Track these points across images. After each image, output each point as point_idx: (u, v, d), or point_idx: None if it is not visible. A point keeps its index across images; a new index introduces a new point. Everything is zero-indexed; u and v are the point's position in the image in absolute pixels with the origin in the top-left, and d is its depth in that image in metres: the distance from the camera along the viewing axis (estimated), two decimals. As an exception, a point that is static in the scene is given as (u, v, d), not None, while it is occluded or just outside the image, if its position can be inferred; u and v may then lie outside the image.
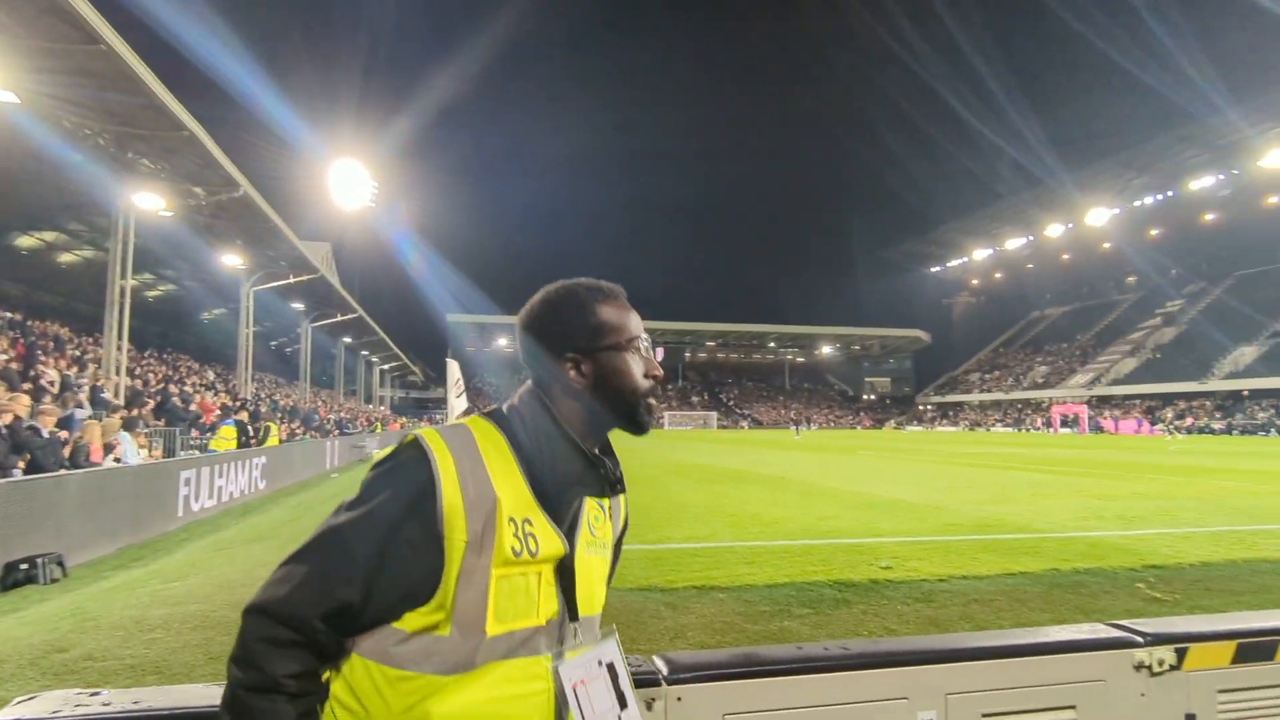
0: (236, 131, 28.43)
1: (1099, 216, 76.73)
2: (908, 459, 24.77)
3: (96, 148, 15.20)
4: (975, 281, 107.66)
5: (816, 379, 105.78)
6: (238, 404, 19.81)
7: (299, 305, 33.59)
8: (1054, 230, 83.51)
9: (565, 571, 1.10)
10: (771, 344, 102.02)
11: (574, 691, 1.07)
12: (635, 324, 1.20)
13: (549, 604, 1.07)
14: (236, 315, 26.01)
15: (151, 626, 5.22)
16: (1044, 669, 1.93)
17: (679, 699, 1.69)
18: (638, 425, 1.18)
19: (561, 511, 1.11)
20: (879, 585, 6.38)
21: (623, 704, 1.12)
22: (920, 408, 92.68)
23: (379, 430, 36.27)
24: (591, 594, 1.14)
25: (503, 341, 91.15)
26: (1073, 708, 1.93)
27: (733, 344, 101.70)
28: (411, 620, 1.00)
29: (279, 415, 22.31)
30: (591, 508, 1.17)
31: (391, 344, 50.45)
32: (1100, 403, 67.10)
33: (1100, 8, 71.65)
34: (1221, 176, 66.63)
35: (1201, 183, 68.06)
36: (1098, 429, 57.52)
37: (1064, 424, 60.40)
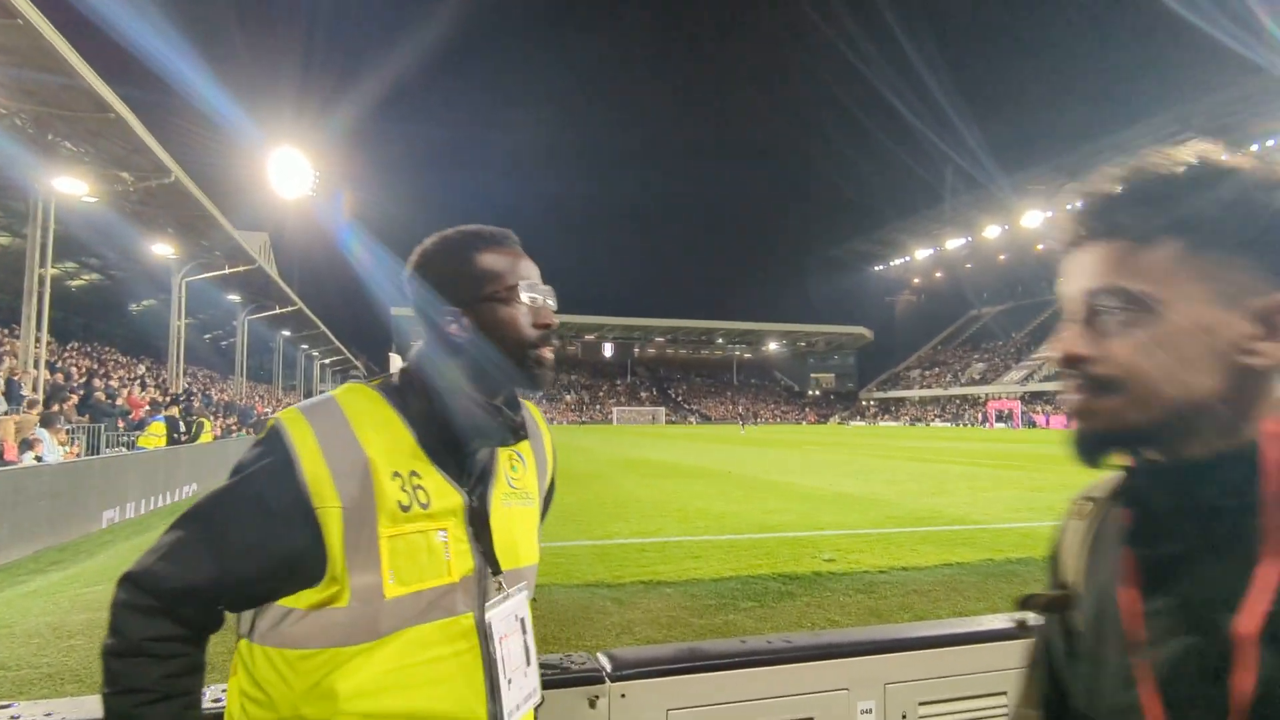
0: (169, 116, 27.25)
1: (1033, 219, 79.62)
2: (851, 453, 25.30)
3: (13, 128, 14.34)
4: (916, 280, 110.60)
5: (764, 375, 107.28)
6: (168, 399, 19.03)
7: (235, 297, 32.45)
8: (991, 232, 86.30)
9: (479, 524, 1.06)
10: (720, 340, 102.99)
11: (499, 643, 1.04)
12: (521, 269, 1.11)
13: (462, 560, 1.02)
14: (169, 306, 24.97)
15: (70, 633, 4.98)
16: (977, 657, 1.97)
17: (623, 695, 1.66)
18: (528, 379, 1.09)
19: (462, 463, 1.07)
20: (822, 577, 6.49)
21: (528, 659, 1.10)
22: (863, 403, 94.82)
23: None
24: (514, 545, 1.10)
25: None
26: (1004, 693, 1.97)
27: (682, 340, 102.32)
28: (306, 597, 0.95)
29: (213, 411, 21.50)
30: (506, 458, 1.14)
31: (333, 337, 49.13)
32: (1033, 398, 69.74)
33: (1036, 22, 74.43)
34: (1147, 182, 69.80)
35: (1128, 188, 71.18)
36: (1030, 424, 59.72)
37: (999, 419, 62.53)
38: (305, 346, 50.96)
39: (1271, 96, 52.36)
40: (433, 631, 0.98)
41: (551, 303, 1.12)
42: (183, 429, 15.09)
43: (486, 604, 1.04)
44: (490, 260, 1.10)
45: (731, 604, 5.66)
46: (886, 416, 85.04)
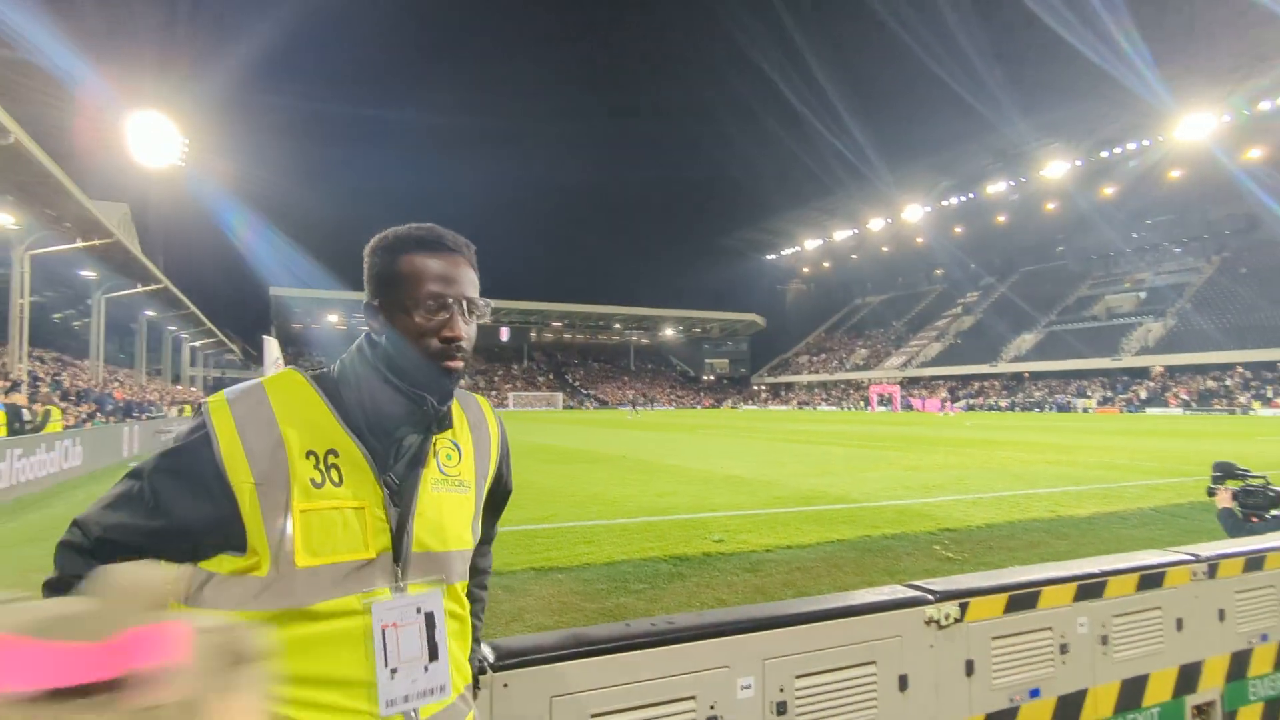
0: (8, 72, 24.42)
1: (914, 213, 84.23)
2: (742, 436, 26.05)
3: None
4: (806, 269, 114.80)
5: (660, 360, 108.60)
6: (9, 384, 17.25)
7: (90, 274, 29.75)
8: (876, 224, 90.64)
9: (399, 505, 1.11)
10: (617, 325, 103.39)
11: (383, 632, 1.07)
12: (436, 278, 1.14)
13: (379, 537, 1.08)
14: (7, 283, 22.56)
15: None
16: (849, 629, 2.07)
17: (505, 685, 1.65)
18: (421, 385, 1.15)
19: (388, 447, 1.13)
20: (711, 558, 6.65)
21: (434, 656, 1.11)
22: (755, 388, 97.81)
23: (188, 413, 32.97)
24: (440, 529, 1.14)
25: (333, 318, 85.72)
26: (873, 663, 2.07)
27: (579, 325, 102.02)
28: (228, 563, 1.03)
29: (64, 397, 19.65)
30: (442, 445, 1.20)
31: (204, 318, 45.86)
32: (911, 383, 74.05)
33: (922, 23, 78.42)
34: (1011, 183, 75.20)
35: (996, 187, 76.47)
36: (908, 407, 63.37)
37: (880, 402, 66.00)
38: (173, 328, 47.35)
39: (1124, 107, 57.34)
40: (341, 605, 1.04)
41: (460, 311, 1.16)
42: (26, 417, 13.71)
43: (398, 584, 1.09)
44: (410, 265, 1.15)
45: (623, 587, 5.72)
46: (777, 401, 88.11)
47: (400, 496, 1.12)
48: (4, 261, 23.52)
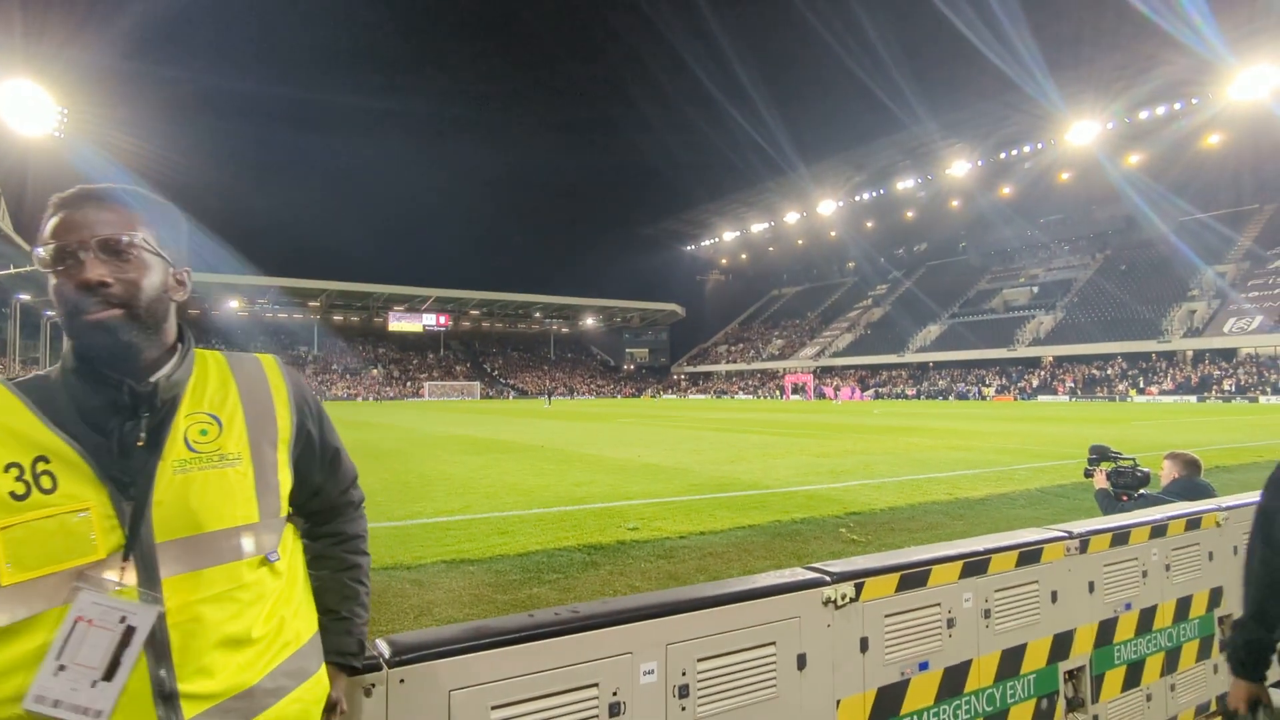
0: None
1: (828, 207, 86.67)
2: (660, 425, 26.30)
3: None
4: (724, 260, 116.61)
5: (580, 349, 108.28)
6: None
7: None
8: (791, 217, 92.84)
9: (133, 498, 1.05)
10: (537, 314, 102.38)
11: (71, 625, 0.98)
12: (56, 228, 1.08)
13: (110, 536, 1.03)
14: None
15: None
16: (751, 612, 2.11)
17: (401, 680, 1.61)
18: (87, 354, 1.09)
19: (110, 438, 1.06)
20: (626, 546, 6.69)
21: (109, 675, 0.99)
22: (675, 377, 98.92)
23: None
24: (188, 513, 1.07)
25: (234, 303, 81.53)
26: (773, 644, 2.13)
27: (498, 313, 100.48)
28: None
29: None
30: (192, 422, 1.13)
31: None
32: (824, 372, 76.48)
33: (837, 16, 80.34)
34: (919, 180, 78.45)
35: (905, 184, 79.61)
36: (821, 395, 65.41)
37: (795, 391, 67.87)
38: (50, 314, 44.05)
39: (1021, 110, 60.57)
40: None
41: (92, 256, 1.06)
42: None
43: (119, 585, 1.02)
44: (44, 229, 1.08)
45: (536, 577, 5.68)
46: (696, 390, 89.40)
47: (133, 488, 1.05)
48: None
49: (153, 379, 1.11)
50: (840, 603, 2.26)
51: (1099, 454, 4.71)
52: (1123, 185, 63.43)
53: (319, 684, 1.24)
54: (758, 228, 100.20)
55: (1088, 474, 4.71)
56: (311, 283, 79.62)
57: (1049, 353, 61.09)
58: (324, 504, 1.39)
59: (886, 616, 2.35)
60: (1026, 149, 69.30)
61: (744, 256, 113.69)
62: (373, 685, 1.54)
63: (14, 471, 1.00)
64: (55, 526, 1.00)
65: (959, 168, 71.45)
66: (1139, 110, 59.00)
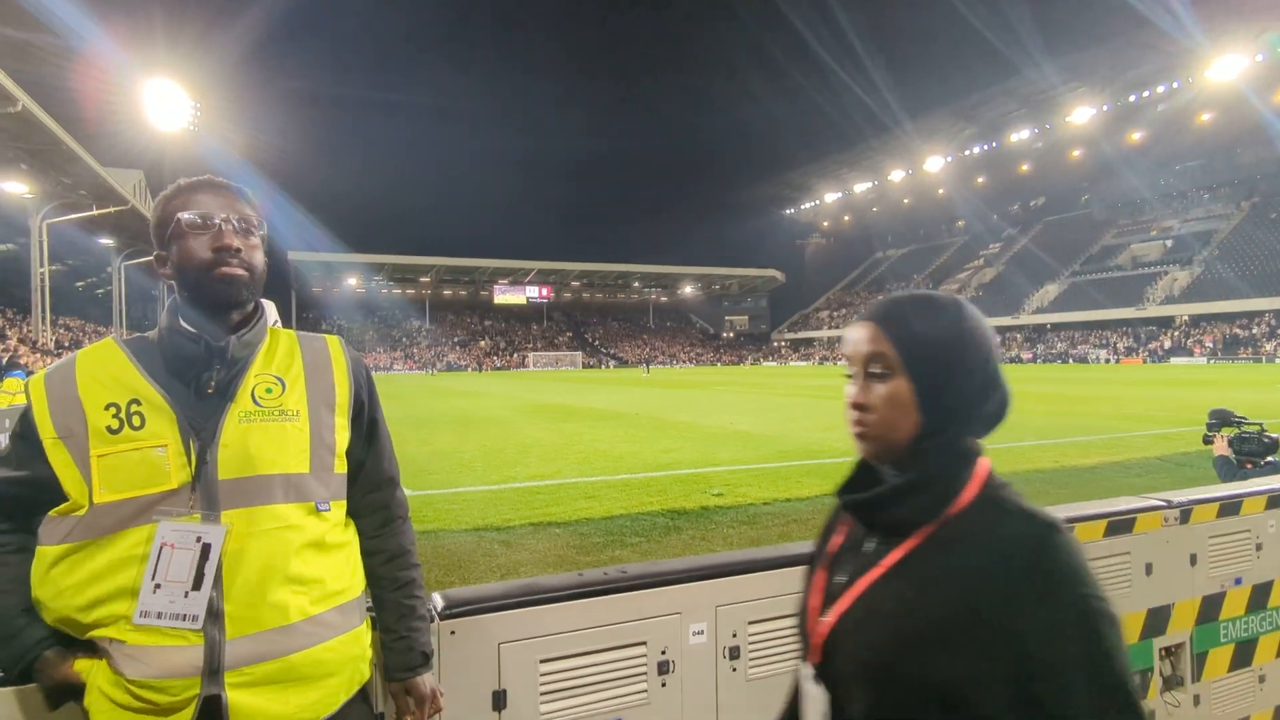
0: (16, 39, 24.33)
1: (935, 163, 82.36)
2: (756, 393, 26.04)
3: None
4: (825, 223, 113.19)
5: (680, 318, 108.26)
6: (34, 351, 17.60)
7: (108, 240, 30.10)
8: (896, 175, 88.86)
9: (201, 438, 1.22)
10: (636, 283, 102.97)
11: (159, 550, 1.17)
12: (192, 204, 1.29)
13: (182, 470, 1.20)
14: (28, 251, 22.86)
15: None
16: (803, 577, 2.07)
17: (452, 632, 1.67)
18: (210, 298, 1.29)
19: (189, 387, 1.26)
20: (709, 511, 6.70)
21: (196, 585, 1.17)
22: (776, 344, 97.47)
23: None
24: (247, 457, 1.24)
25: (351, 281, 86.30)
26: (826, 609, 2.08)
27: (598, 284, 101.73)
28: (61, 508, 1.20)
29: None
30: (259, 380, 1.31)
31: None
32: (930, 337, 73.34)
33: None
34: (1035, 130, 73.13)
35: (1020, 135, 74.42)
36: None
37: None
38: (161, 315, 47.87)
39: (1154, 49, 55.22)
40: (145, 532, 1.18)
41: (230, 228, 1.29)
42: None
43: (190, 512, 1.19)
44: (174, 204, 1.30)
45: (619, 540, 5.79)
46: (797, 356, 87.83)
47: (203, 431, 1.23)
48: (23, 231, 23.81)
49: (227, 339, 1.29)
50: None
51: (1219, 418, 4.34)
52: (1275, 124, 56.85)
53: (357, 640, 1.33)
54: (860, 188, 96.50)
55: (1207, 440, 4.35)
56: (421, 259, 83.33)
57: (1184, 311, 56.13)
58: (369, 484, 1.46)
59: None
60: (1160, 89, 63.17)
61: (846, 218, 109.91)
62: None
63: (112, 410, 1.21)
64: (139, 458, 1.19)
65: (1081, 114, 66.04)
66: (1296, 39, 52.51)
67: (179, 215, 1.28)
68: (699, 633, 1.94)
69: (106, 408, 1.21)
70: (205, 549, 1.18)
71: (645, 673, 1.83)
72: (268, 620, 1.20)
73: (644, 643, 1.85)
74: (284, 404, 1.31)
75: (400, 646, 1.44)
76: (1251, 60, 54.34)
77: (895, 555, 0.91)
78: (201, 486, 1.20)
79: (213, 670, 1.16)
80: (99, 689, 1.18)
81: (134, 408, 1.22)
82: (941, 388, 0.91)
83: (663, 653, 1.87)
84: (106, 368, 1.26)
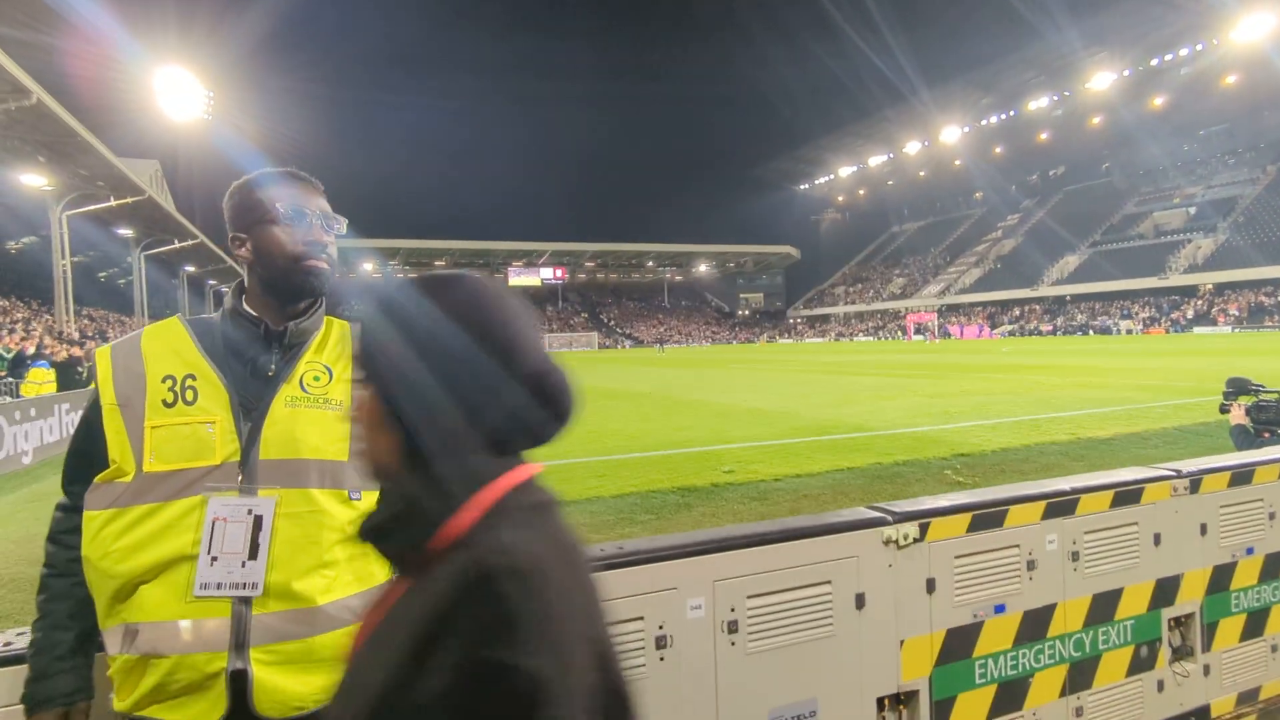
0: (27, 30, 24.49)
1: (951, 134, 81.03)
2: (772, 370, 25.96)
3: None
4: (840, 198, 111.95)
5: (694, 296, 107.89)
6: (59, 342, 17.89)
7: (127, 231, 30.36)
8: (912, 148, 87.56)
9: (251, 418, 1.27)
10: (650, 263, 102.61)
11: (212, 525, 1.21)
12: (288, 196, 1.34)
13: (228, 446, 1.24)
14: (49, 244, 23.15)
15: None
16: (804, 550, 2.07)
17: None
18: (294, 287, 1.34)
19: (244, 369, 1.31)
20: (720, 488, 6.71)
21: (253, 555, 1.22)
22: (791, 321, 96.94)
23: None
24: (291, 439, 1.27)
25: (367, 267, 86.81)
26: (829, 582, 2.08)
27: (612, 264, 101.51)
28: (106, 474, 1.24)
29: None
30: (310, 368, 1.35)
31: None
32: (949, 310, 72.61)
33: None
34: (1054, 97, 71.60)
35: (1038, 103, 72.93)
36: (946, 335, 62.32)
37: (917, 331, 65.01)
38: (212, 282, 48.42)
39: (1178, 9, 53.73)
40: (185, 504, 1.21)
41: (319, 223, 1.36)
42: (82, 372, 14.29)
43: (240, 486, 1.23)
44: (264, 192, 1.34)
45: (629, 518, 5.81)
46: (813, 333, 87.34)
47: (254, 411, 1.28)
48: (44, 224, 24.10)
49: (285, 325, 1.35)
50: (902, 543, 2.19)
51: (1236, 387, 4.27)
52: (1304, 85, 55.29)
53: None
54: (875, 161, 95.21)
55: (1223, 409, 4.29)
56: (435, 243, 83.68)
57: (1207, 280, 55.09)
58: None
59: (956, 558, 2.26)
60: (1184, 52, 61.55)
61: (861, 193, 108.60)
62: None
63: (168, 383, 1.26)
64: (189, 432, 1.24)
65: (1102, 80, 64.57)
66: (1328, -6, 50.86)
67: (276, 204, 1.32)
68: (697, 607, 1.95)
69: (164, 380, 1.27)
70: (258, 520, 1.23)
71: (643, 648, 1.85)
72: (295, 602, 1.23)
73: (641, 618, 1.86)
74: (329, 393, 1.35)
75: None
76: (1278, 18, 52.73)
77: (382, 608, 0.74)
78: (245, 464, 1.25)
79: (239, 644, 1.19)
80: (122, 677, 1.22)
81: (189, 382, 1.27)
82: (405, 396, 0.71)
83: (660, 628, 1.88)
84: (169, 343, 1.32)
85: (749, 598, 2.00)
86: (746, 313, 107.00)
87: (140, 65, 37.87)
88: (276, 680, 1.20)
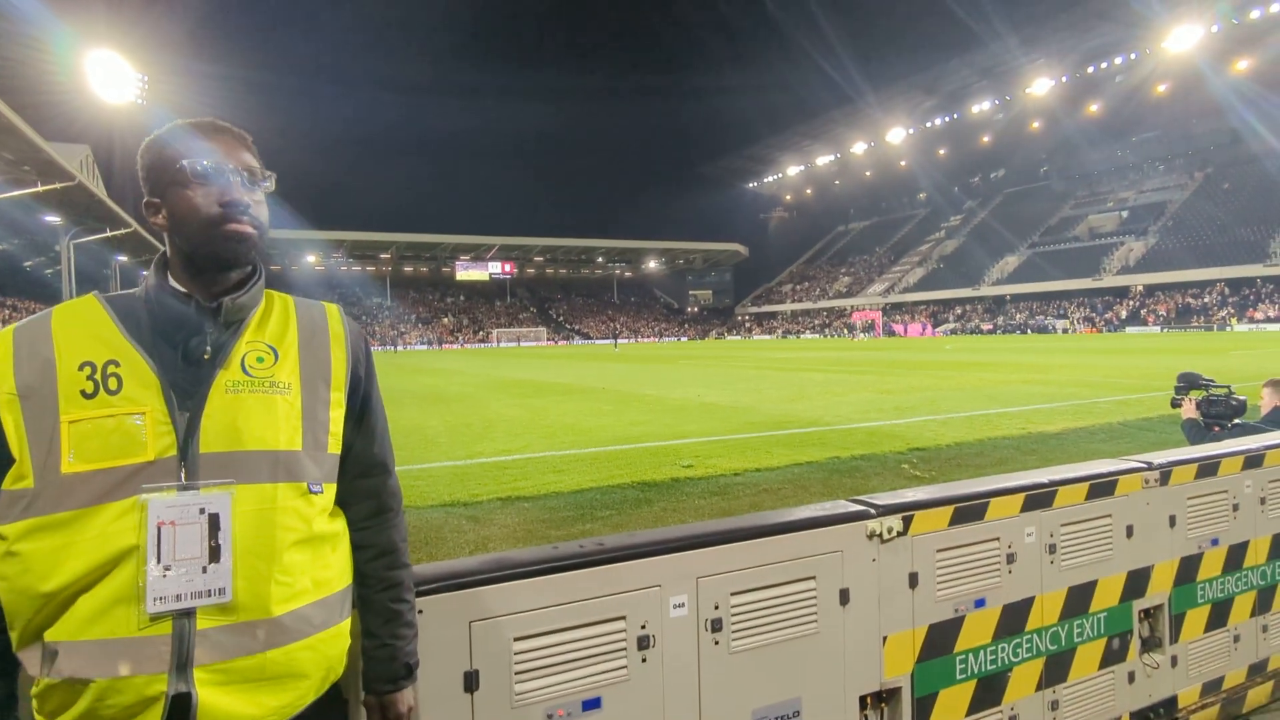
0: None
1: (897, 135, 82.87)
2: (723, 366, 26.13)
3: None
4: (788, 197, 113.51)
5: (644, 293, 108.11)
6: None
7: (54, 218, 28.85)
8: (859, 148, 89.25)
9: (187, 407, 1.11)
10: (600, 259, 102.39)
11: (158, 530, 1.05)
12: (204, 151, 1.17)
13: (161, 440, 1.08)
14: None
15: None
16: (788, 545, 2.00)
17: (420, 611, 1.56)
18: (215, 256, 1.18)
19: (174, 352, 1.14)
20: (679, 483, 6.65)
21: (214, 558, 1.07)
22: (740, 318, 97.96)
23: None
24: (234, 430, 1.12)
25: (311, 258, 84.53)
26: (813, 577, 2.02)
27: (561, 259, 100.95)
28: (10, 480, 1.05)
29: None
30: (251, 348, 1.19)
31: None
32: (893, 309, 74.34)
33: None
34: (996, 101, 73.85)
35: (981, 106, 75.12)
36: (890, 333, 63.76)
37: (863, 329, 66.34)
38: (146, 273, 46.37)
39: (1113, 19, 55.91)
40: (116, 508, 1.04)
41: (240, 180, 1.18)
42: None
43: (180, 484, 1.07)
44: (176, 148, 1.17)
45: (589, 514, 5.71)
46: (761, 330, 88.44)
47: (189, 400, 1.11)
48: (-42, 207, 22.70)
49: (220, 301, 1.18)
50: (886, 536, 2.13)
51: (1188, 382, 4.38)
52: (1228, 96, 58.15)
53: (337, 639, 1.22)
54: (823, 160, 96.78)
55: (1175, 404, 4.40)
56: (380, 235, 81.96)
57: (1139, 281, 57.62)
58: (358, 468, 1.33)
59: (938, 551, 2.21)
60: (1118, 61, 64.14)
61: (808, 192, 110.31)
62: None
63: (86, 370, 1.08)
64: (114, 426, 1.06)
65: (1041, 85, 66.84)
66: (1250, 8, 53.50)
67: (182, 161, 1.15)
68: (680, 605, 1.86)
69: (81, 368, 1.09)
70: (214, 519, 1.08)
71: (625, 648, 1.75)
72: (244, 611, 1.08)
73: (623, 617, 1.77)
74: (275, 375, 1.20)
75: (382, 655, 1.32)
76: (1207, 30, 55.33)
77: None
78: (184, 459, 1.09)
79: (181, 664, 1.04)
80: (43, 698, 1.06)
81: (111, 369, 1.09)
82: None
83: (643, 627, 1.79)
84: (86, 324, 1.14)
85: (733, 595, 1.93)
86: (696, 309, 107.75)
87: (69, 47, 35.93)
88: (224, 702, 1.06)
